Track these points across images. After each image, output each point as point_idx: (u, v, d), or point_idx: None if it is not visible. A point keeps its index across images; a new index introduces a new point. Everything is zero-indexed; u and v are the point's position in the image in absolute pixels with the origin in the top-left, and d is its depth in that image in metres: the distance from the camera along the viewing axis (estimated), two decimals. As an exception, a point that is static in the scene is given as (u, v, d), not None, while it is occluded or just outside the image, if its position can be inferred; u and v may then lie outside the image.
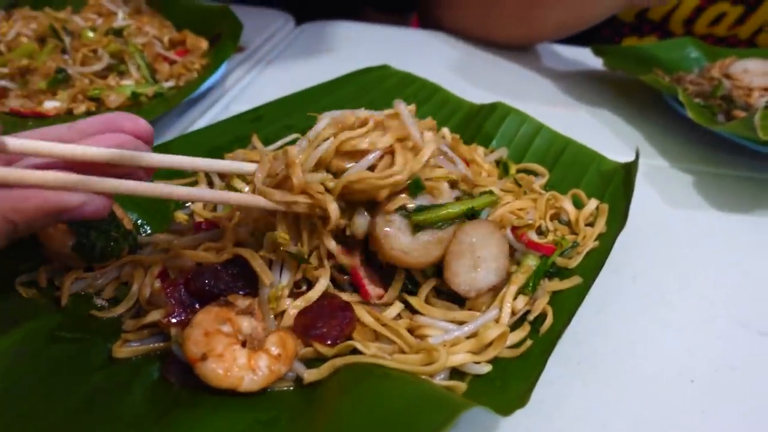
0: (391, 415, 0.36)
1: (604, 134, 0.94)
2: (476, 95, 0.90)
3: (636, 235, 0.70)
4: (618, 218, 0.58)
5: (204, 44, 1.01)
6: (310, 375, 0.44)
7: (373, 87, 0.88)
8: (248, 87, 1.04)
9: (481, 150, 0.68)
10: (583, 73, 1.17)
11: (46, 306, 0.50)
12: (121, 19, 0.96)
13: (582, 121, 0.98)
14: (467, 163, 0.60)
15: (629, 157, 0.69)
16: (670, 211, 0.76)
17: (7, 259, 0.52)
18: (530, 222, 0.56)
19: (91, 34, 0.91)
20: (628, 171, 0.62)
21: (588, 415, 0.47)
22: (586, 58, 1.18)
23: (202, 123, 0.88)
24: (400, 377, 0.42)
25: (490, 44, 1.25)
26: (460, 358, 0.45)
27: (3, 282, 0.51)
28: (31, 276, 0.52)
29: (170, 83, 0.90)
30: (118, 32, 0.92)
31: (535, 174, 0.70)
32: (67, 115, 0.80)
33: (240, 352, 0.44)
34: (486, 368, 0.45)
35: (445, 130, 0.74)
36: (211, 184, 0.68)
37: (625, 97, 1.07)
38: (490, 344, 0.46)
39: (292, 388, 0.45)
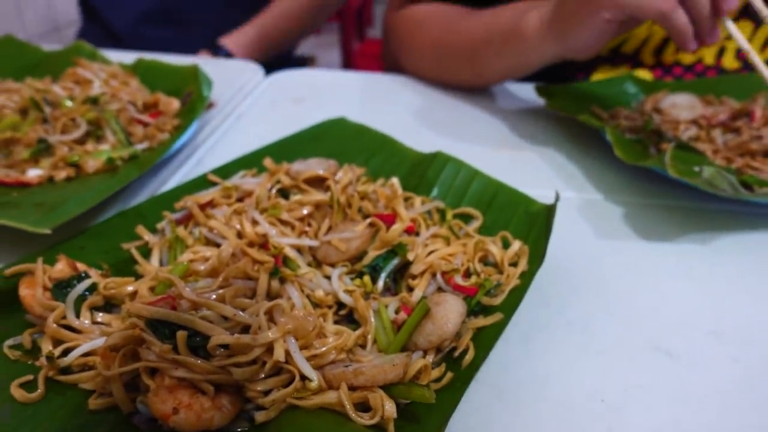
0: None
1: (546, 172, 1.02)
2: (430, 140, 0.98)
3: (568, 269, 0.78)
4: (538, 256, 0.66)
5: (175, 104, 1.09)
6: (260, 416, 0.50)
7: (329, 139, 0.96)
8: (219, 142, 1.11)
9: (418, 200, 0.76)
10: (534, 111, 1.26)
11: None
12: (97, 87, 1.04)
13: (527, 160, 1.06)
14: (393, 215, 0.68)
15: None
16: (601, 243, 0.83)
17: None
18: (457, 267, 0.64)
19: (69, 103, 0.99)
20: (550, 212, 0.70)
21: (504, 440, 0.54)
22: (537, 96, 1.27)
23: (173, 182, 0.96)
24: (332, 418, 0.48)
25: (447, 86, 1.34)
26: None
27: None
28: (17, 339, 0.59)
29: (144, 145, 0.97)
30: (94, 100, 1.00)
31: (471, 217, 0.77)
32: (49, 183, 0.88)
33: (204, 398, 0.51)
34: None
35: (395, 181, 0.81)
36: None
37: (570, 134, 1.15)
38: (416, 377, 0.53)
39: (246, 429, 0.51)
